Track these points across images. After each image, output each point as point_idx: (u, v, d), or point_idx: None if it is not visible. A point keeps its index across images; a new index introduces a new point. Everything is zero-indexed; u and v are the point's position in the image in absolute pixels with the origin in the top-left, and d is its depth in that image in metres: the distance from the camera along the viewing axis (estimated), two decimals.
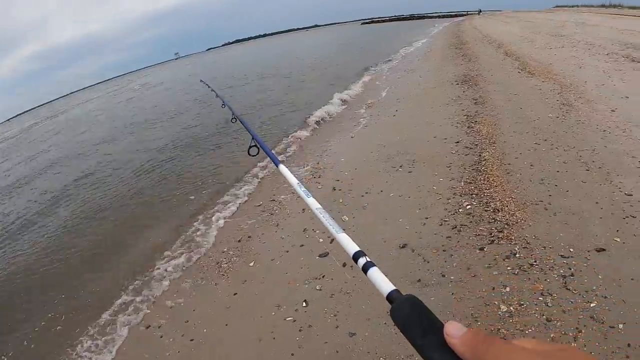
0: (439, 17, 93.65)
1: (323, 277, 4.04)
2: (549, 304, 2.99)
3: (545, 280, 3.25)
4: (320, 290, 3.86)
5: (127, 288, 4.88)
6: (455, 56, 15.88)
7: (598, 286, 3.09)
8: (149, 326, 4.08)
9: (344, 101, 12.51)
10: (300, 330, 3.43)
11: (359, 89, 13.98)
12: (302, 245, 4.67)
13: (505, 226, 3.99)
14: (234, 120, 3.03)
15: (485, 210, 4.33)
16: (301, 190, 1.14)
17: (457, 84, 10.66)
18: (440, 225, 4.33)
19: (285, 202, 6.06)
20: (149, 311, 4.36)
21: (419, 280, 3.63)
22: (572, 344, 2.68)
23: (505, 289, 3.25)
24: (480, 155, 5.68)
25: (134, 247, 6.05)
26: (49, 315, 4.82)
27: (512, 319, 2.94)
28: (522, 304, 3.05)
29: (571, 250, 3.51)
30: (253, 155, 1.98)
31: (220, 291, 4.31)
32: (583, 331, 2.71)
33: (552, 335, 2.72)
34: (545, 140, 5.78)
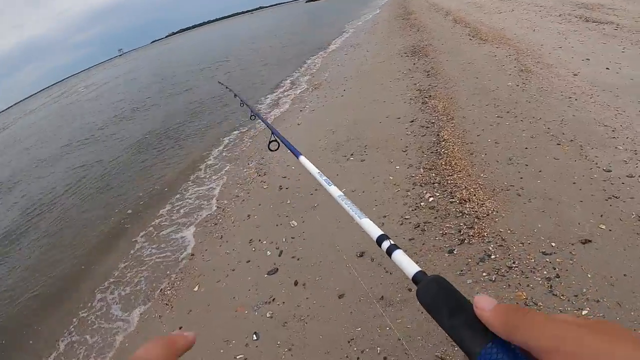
0: None
1: (273, 300, 3.49)
2: None
3: (528, 285, 2.78)
4: (271, 318, 3.31)
5: (71, 331, 4.27)
6: (403, 27, 15.43)
7: (588, 288, 2.66)
8: None
9: (292, 84, 11.88)
10: None
11: (305, 71, 13.36)
12: (249, 261, 4.13)
13: (476, 220, 3.50)
14: (253, 118, 3.10)
15: (451, 202, 3.83)
16: (322, 180, 1.12)
17: (407, 56, 10.19)
18: (401, 224, 3.80)
19: (228, 208, 5.42)
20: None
21: (382, 298, 3.10)
22: None
23: None
24: (438, 134, 5.19)
25: (74, 273, 5.45)
26: None
27: None
28: None
29: (553, 245, 3.06)
30: (273, 150, 2.04)
31: (165, 325, 3.73)
32: None
33: None
34: (508, 112, 5.36)
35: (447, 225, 3.56)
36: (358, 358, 2.72)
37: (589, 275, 2.73)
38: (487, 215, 3.52)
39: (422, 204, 3.96)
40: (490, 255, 3.11)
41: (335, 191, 1.03)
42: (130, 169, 8.93)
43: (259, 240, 4.39)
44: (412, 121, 5.87)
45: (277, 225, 4.59)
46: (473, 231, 3.37)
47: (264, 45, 26.94)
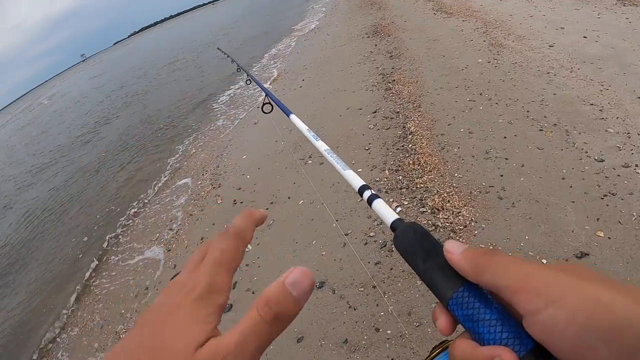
0: None
1: None
2: None
3: None
4: None
5: None
6: (364, 5, 14.76)
7: None
8: None
9: (249, 80, 11.18)
10: None
11: (265, 63, 12.60)
12: None
13: (451, 234, 2.97)
14: (249, 82, 3.09)
15: (422, 212, 3.29)
16: (310, 135, 1.12)
17: (368, 36, 9.58)
18: (365, 244, 3.25)
19: (182, 230, 4.95)
20: None
21: (346, 341, 2.58)
22: None
23: None
24: (404, 126, 4.65)
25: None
26: None
27: None
28: None
29: (544, 261, 2.56)
30: (267, 113, 2.07)
31: None
32: None
33: None
34: (481, 94, 4.85)
35: None
36: None
37: None
38: (465, 227, 3.00)
39: None
40: None
41: (321, 145, 1.03)
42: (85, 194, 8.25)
43: None
44: (374, 112, 5.31)
45: None
46: None
47: (222, 40, 25.96)
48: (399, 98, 5.44)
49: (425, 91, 5.42)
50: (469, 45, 6.72)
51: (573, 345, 0.31)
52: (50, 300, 4.99)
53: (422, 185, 3.58)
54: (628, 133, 3.48)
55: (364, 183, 0.75)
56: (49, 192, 9.10)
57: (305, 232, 3.72)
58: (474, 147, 3.87)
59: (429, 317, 2.49)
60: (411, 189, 3.60)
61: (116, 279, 4.70)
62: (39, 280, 5.57)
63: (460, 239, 2.89)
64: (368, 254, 3.14)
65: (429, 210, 3.27)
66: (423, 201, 3.40)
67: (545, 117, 4.00)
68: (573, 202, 2.95)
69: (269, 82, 9.51)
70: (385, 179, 3.88)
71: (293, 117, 1.47)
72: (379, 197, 0.65)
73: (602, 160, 3.25)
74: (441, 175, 3.63)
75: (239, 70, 3.76)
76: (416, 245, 0.47)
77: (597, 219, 2.76)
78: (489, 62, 5.74)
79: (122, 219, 6.04)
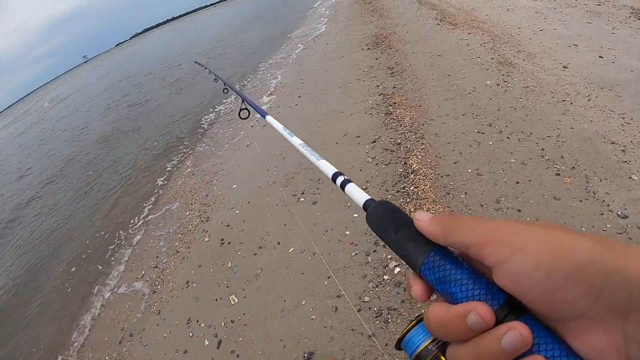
0: None
1: None
2: None
3: None
4: None
5: None
6: (364, 12, 14.39)
7: None
8: None
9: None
10: None
11: (261, 75, 12.22)
12: (186, 352, 3.39)
13: None
14: (226, 91, 3.24)
15: None
16: (285, 133, 1.29)
17: (369, 48, 9.22)
18: (359, 309, 2.90)
19: (168, 270, 4.60)
20: None
21: None
22: None
23: None
24: (405, 163, 4.29)
25: None
26: None
27: None
28: None
29: None
30: (243, 118, 2.20)
31: None
32: None
33: None
34: (490, 125, 4.49)
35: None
36: None
37: None
38: None
39: (385, 277, 3.06)
40: None
41: (296, 141, 1.14)
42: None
43: (197, 322, 3.63)
44: (374, 142, 4.95)
45: (216, 299, 3.77)
46: None
47: (220, 46, 25.62)
48: (401, 125, 5.08)
49: (429, 118, 5.07)
50: (475, 62, 6.37)
51: (541, 289, 0.32)
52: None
53: None
54: None
55: (337, 170, 0.79)
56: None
57: (294, 288, 3.38)
58: (482, 194, 3.51)
59: None
60: None
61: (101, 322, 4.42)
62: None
63: None
64: (361, 323, 2.79)
65: None
66: None
67: (562, 157, 3.64)
68: None
69: (264, 97, 9.18)
70: None
71: (269, 117, 1.56)
72: (351, 181, 0.69)
73: (626, 217, 2.90)
74: None
75: (216, 80, 3.88)
76: (387, 220, 0.49)
77: None
78: (498, 84, 5.38)
79: (107, 255, 5.73)
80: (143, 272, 4.90)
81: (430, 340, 0.46)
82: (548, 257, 0.32)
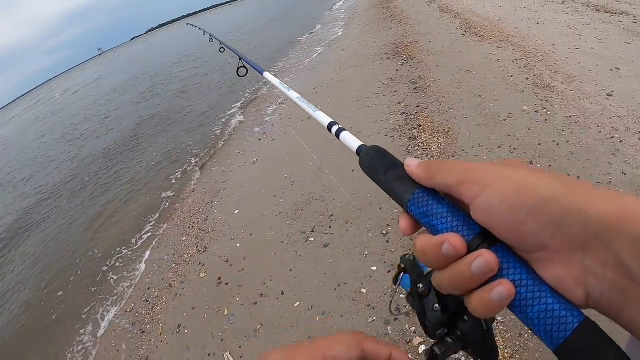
0: None
1: None
2: None
3: None
4: None
5: None
6: (383, 17, 13.79)
7: None
8: None
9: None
10: None
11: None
12: None
13: None
14: (222, 50, 3.29)
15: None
16: (282, 87, 1.38)
17: (389, 57, 8.66)
18: None
19: (159, 306, 4.14)
20: None
21: None
22: None
23: None
24: None
25: None
26: None
27: None
28: None
29: None
30: (241, 76, 2.29)
31: None
32: None
33: None
34: (531, 163, 3.94)
35: None
36: None
37: None
38: None
39: (409, 356, 2.53)
40: None
41: (293, 94, 1.18)
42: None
43: None
44: None
45: (209, 354, 3.28)
46: None
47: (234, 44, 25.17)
48: (427, 154, 4.54)
49: (459, 148, 4.52)
50: (509, 82, 5.80)
51: (507, 222, 0.36)
52: None
53: None
54: None
55: (332, 120, 0.84)
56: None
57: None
58: None
59: None
60: None
61: None
62: None
63: None
64: None
65: None
66: None
67: None
68: None
69: (272, 106, 8.66)
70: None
71: (266, 74, 1.67)
72: (345, 130, 0.73)
73: None
74: None
75: (211, 40, 4.00)
76: (377, 162, 0.53)
77: None
78: (536, 111, 4.83)
79: (97, 280, 5.25)
80: (133, 304, 4.44)
81: (426, 273, 0.55)
82: (512, 193, 0.36)
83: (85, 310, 4.71)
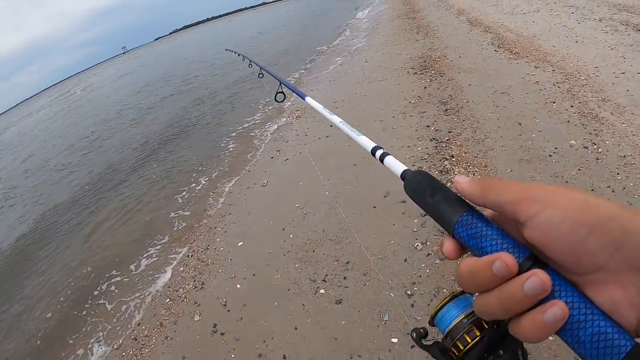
0: None
1: None
2: None
3: None
4: None
5: None
6: (408, 28, 13.18)
7: None
8: None
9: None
10: None
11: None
12: None
13: None
14: (261, 76, 3.36)
15: None
16: (325, 112, 1.29)
17: (415, 72, 8.10)
18: None
19: (147, 348, 3.70)
20: None
21: None
22: None
23: None
24: None
25: None
26: None
27: None
28: None
29: None
30: (279, 102, 2.33)
31: None
32: None
33: None
34: None
35: None
36: None
37: None
38: None
39: None
40: None
41: (336, 119, 1.13)
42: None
43: None
44: (425, 215, 3.85)
45: None
46: None
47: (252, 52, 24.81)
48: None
49: None
50: (551, 109, 5.20)
51: (567, 241, 0.35)
52: None
53: None
54: None
55: (376, 144, 0.83)
56: None
57: None
58: None
59: None
60: None
61: None
62: None
63: None
64: None
65: None
66: None
67: None
68: None
69: (289, 118, 8.14)
70: None
71: (308, 99, 1.59)
72: (389, 154, 0.72)
73: None
74: None
75: (250, 65, 4.01)
76: (424, 185, 0.51)
77: None
78: (585, 147, 4.23)
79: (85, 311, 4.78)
80: (121, 340, 3.96)
81: (464, 315, 0.53)
82: (574, 211, 0.35)
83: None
